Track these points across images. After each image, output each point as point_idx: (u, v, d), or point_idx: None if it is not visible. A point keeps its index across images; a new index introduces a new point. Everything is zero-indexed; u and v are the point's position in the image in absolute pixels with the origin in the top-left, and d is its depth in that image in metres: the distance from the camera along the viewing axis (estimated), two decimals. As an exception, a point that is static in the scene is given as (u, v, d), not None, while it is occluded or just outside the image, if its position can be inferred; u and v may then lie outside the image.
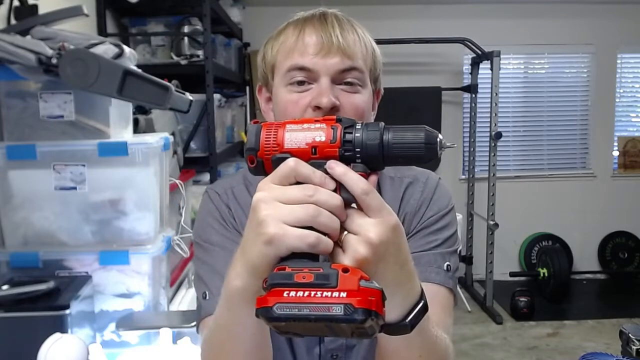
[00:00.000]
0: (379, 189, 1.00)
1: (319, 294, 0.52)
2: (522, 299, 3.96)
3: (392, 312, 0.65)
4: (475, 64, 4.41)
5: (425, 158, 0.62)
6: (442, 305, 0.91)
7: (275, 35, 0.95)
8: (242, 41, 4.06)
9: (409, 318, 0.66)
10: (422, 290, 0.69)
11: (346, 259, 0.59)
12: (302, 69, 0.89)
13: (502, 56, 4.03)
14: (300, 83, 0.89)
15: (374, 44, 0.96)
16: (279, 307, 0.52)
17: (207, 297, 0.89)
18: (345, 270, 0.54)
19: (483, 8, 4.58)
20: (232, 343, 0.74)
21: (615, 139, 4.91)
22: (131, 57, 1.52)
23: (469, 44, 4.22)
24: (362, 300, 0.51)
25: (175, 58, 2.75)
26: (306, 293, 0.52)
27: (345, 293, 0.52)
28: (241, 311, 0.68)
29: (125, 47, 1.49)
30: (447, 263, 0.94)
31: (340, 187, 0.61)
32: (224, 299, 0.70)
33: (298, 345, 0.95)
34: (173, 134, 2.19)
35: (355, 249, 0.59)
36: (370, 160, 0.62)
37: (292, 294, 0.52)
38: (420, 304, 0.68)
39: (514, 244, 4.82)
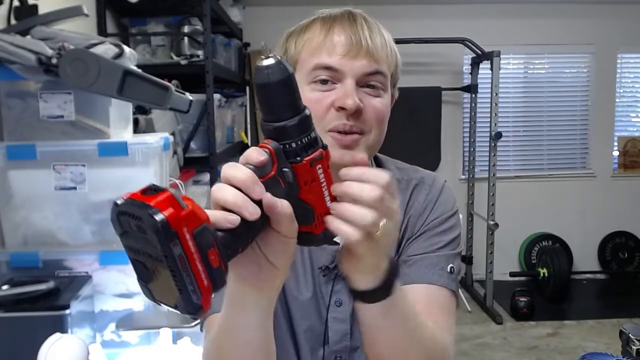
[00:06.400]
0: None
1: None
2: (522, 299, 3.96)
3: (368, 283, 0.71)
4: (475, 64, 4.41)
5: None
6: (442, 307, 0.91)
7: (300, 31, 0.94)
8: (242, 41, 4.06)
9: (382, 282, 0.70)
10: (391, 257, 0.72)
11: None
12: (328, 68, 0.88)
13: (502, 56, 4.02)
14: (324, 82, 0.89)
15: (396, 48, 0.96)
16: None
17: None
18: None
19: (483, 8, 4.58)
20: (232, 346, 0.74)
21: (615, 139, 4.91)
22: (131, 57, 1.52)
23: (469, 44, 4.22)
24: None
25: (175, 58, 2.75)
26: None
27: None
28: (236, 313, 0.69)
29: (125, 47, 1.49)
30: (451, 265, 0.94)
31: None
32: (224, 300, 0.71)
33: (302, 347, 0.95)
34: (173, 134, 2.19)
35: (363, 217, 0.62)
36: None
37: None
38: (391, 268, 0.71)
39: (514, 244, 4.82)
